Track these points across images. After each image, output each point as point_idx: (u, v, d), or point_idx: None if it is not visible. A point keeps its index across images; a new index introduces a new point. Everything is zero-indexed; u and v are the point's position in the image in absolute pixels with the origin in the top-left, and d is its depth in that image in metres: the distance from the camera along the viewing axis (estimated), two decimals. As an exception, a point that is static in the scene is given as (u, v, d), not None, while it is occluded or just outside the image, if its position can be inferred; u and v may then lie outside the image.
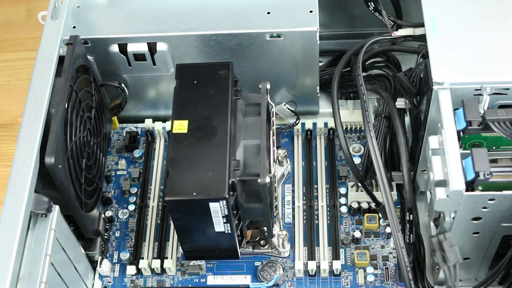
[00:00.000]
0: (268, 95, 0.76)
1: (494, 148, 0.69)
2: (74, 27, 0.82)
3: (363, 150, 0.89)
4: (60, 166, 0.69)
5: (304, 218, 0.84)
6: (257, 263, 0.81)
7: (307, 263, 0.80)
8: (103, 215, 0.84)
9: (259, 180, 0.69)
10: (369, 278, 0.78)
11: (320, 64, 0.91)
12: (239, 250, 0.76)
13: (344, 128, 0.91)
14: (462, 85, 0.68)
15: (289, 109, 0.90)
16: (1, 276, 0.61)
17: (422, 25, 0.75)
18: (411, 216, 0.76)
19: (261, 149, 0.71)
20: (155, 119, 0.92)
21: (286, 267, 0.81)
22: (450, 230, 0.68)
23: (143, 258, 0.82)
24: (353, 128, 0.91)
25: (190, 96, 0.74)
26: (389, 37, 0.82)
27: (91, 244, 0.81)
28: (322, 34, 0.84)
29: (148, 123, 0.91)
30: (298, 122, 0.90)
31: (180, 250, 0.82)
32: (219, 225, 0.71)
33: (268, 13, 0.81)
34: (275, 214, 0.80)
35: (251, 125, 0.74)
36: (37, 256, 0.66)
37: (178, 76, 0.76)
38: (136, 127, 0.93)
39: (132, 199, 0.87)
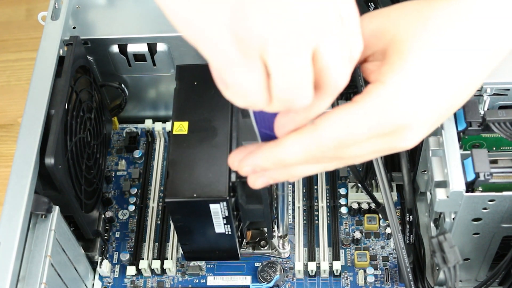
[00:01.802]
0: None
1: (494, 148, 0.69)
2: (74, 27, 0.82)
3: (363, 150, 0.89)
4: (60, 166, 0.69)
5: (304, 218, 0.84)
6: (257, 264, 0.81)
7: (307, 263, 0.80)
8: (103, 216, 0.84)
9: (259, 181, 0.69)
10: (369, 279, 0.78)
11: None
12: (239, 251, 0.76)
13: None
14: (462, 85, 0.68)
15: None
16: (1, 277, 0.62)
17: (422, 25, 0.75)
18: (411, 216, 0.76)
19: (261, 150, 0.71)
20: (155, 119, 0.92)
21: (286, 268, 0.81)
22: (450, 231, 0.68)
23: (143, 259, 0.82)
24: (353, 128, 0.91)
25: (191, 97, 0.74)
26: (389, 38, 0.82)
27: (91, 244, 0.81)
28: (322, 35, 0.84)
29: (148, 123, 0.91)
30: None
31: (180, 250, 0.82)
32: (219, 226, 0.71)
33: (268, 13, 0.81)
34: (275, 215, 0.80)
35: (251, 126, 0.74)
36: (37, 256, 0.66)
37: (178, 77, 0.76)
38: (136, 128, 0.93)
39: (132, 199, 0.87)
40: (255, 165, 0.50)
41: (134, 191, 0.88)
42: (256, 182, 0.52)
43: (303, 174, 0.52)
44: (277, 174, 0.52)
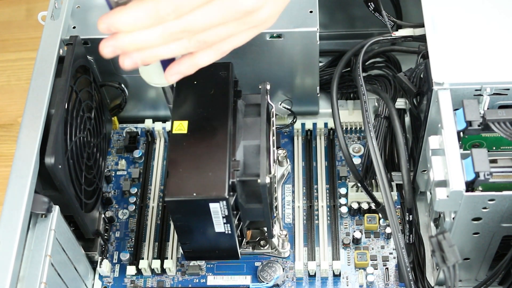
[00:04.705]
0: (268, 96, 0.76)
1: (494, 148, 0.69)
2: (74, 27, 0.82)
3: (363, 150, 0.89)
4: (60, 166, 0.69)
5: (304, 218, 0.84)
6: (257, 264, 0.81)
7: (307, 263, 0.80)
8: (103, 216, 0.84)
9: (259, 181, 0.69)
10: (369, 278, 0.78)
11: (320, 64, 0.91)
12: (239, 251, 0.76)
13: (344, 128, 0.91)
14: (462, 85, 0.68)
15: (285, 107, 0.90)
16: (1, 277, 0.61)
17: (422, 25, 0.75)
18: (411, 216, 0.76)
19: (261, 150, 0.71)
20: (155, 119, 0.92)
21: (286, 268, 0.81)
22: (450, 231, 0.68)
23: (143, 259, 0.82)
24: (353, 128, 0.91)
25: (190, 97, 0.74)
26: (389, 38, 0.82)
27: (91, 244, 0.81)
28: (322, 34, 0.84)
29: (148, 123, 0.91)
30: (296, 121, 0.90)
31: (180, 250, 0.82)
32: (219, 226, 0.71)
33: (268, 13, 0.81)
34: (275, 215, 0.80)
35: (251, 125, 0.74)
36: (37, 256, 0.66)
37: (178, 76, 0.76)
38: (136, 128, 0.93)
39: (132, 199, 0.87)
40: (107, 24, 0.53)
41: (134, 190, 0.88)
42: (124, 62, 0.55)
43: (165, 53, 0.55)
44: (143, 54, 0.55)
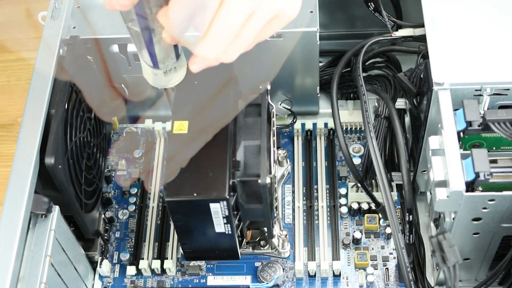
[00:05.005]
0: (269, 96, 0.76)
1: (494, 148, 0.69)
2: (74, 27, 0.82)
3: (363, 150, 0.89)
4: (60, 166, 0.69)
5: (304, 218, 0.84)
6: (257, 264, 0.81)
7: (307, 263, 0.80)
8: (103, 216, 0.84)
9: (259, 181, 0.69)
10: (369, 279, 0.78)
11: (320, 64, 0.91)
12: (239, 251, 0.76)
13: (344, 128, 0.91)
14: (462, 85, 0.68)
15: (285, 108, 0.90)
16: (1, 277, 0.62)
17: (422, 25, 0.75)
18: (411, 216, 0.76)
19: (262, 150, 0.71)
20: (155, 119, 0.92)
21: (286, 268, 0.81)
22: (450, 231, 0.68)
23: (143, 259, 0.82)
24: (353, 128, 0.91)
25: (191, 97, 0.74)
26: (389, 38, 0.82)
27: (91, 244, 0.81)
28: (322, 34, 0.84)
29: (148, 123, 0.91)
30: (296, 121, 0.90)
31: (180, 250, 0.82)
32: (220, 226, 0.71)
33: (268, 13, 0.81)
34: (275, 215, 0.80)
35: (251, 125, 0.74)
36: (37, 256, 0.66)
37: (178, 76, 0.76)
38: (136, 128, 0.93)
39: (132, 199, 0.87)
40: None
41: (134, 191, 0.88)
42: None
43: None
44: None
